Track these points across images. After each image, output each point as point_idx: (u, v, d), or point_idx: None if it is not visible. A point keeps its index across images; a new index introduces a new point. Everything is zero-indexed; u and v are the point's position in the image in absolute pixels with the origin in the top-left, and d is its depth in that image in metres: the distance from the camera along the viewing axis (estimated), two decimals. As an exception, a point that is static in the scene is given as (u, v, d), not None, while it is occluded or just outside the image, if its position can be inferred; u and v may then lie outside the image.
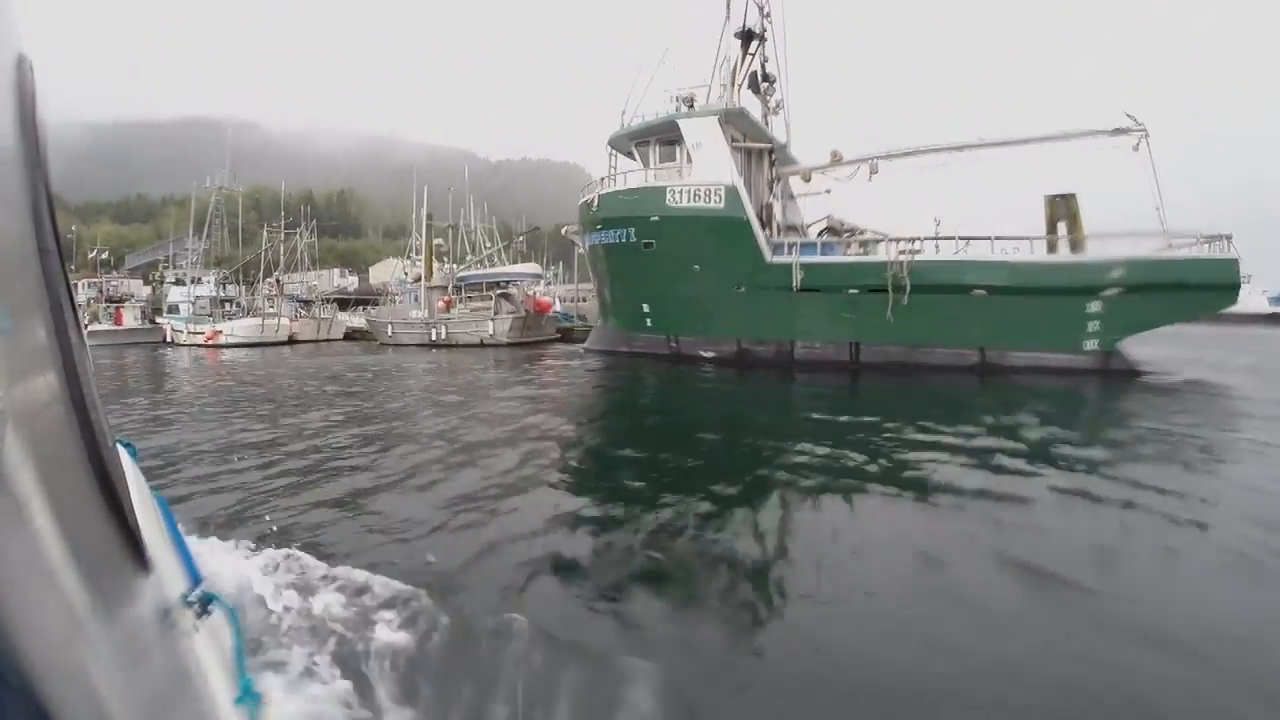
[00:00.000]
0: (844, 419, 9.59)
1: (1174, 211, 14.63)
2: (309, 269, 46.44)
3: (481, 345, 26.39)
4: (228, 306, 34.16)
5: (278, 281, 35.65)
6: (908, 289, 14.95)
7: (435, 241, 30.11)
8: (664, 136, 17.75)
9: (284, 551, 3.89)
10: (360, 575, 3.57)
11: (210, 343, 30.81)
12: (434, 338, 27.69)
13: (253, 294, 35.98)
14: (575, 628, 3.20)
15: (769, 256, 16.26)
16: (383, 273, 67.24)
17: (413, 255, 46.26)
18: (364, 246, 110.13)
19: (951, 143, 16.25)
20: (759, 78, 19.27)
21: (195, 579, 1.85)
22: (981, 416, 9.49)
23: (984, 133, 16.25)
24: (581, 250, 23.51)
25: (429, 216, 33.82)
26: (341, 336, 34.60)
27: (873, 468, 6.54)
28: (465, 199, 34.83)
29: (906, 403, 11.65)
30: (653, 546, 4.38)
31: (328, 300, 37.49)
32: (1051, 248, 15.37)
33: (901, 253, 15.28)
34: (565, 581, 3.83)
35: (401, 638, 2.99)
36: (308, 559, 3.79)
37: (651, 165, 17.91)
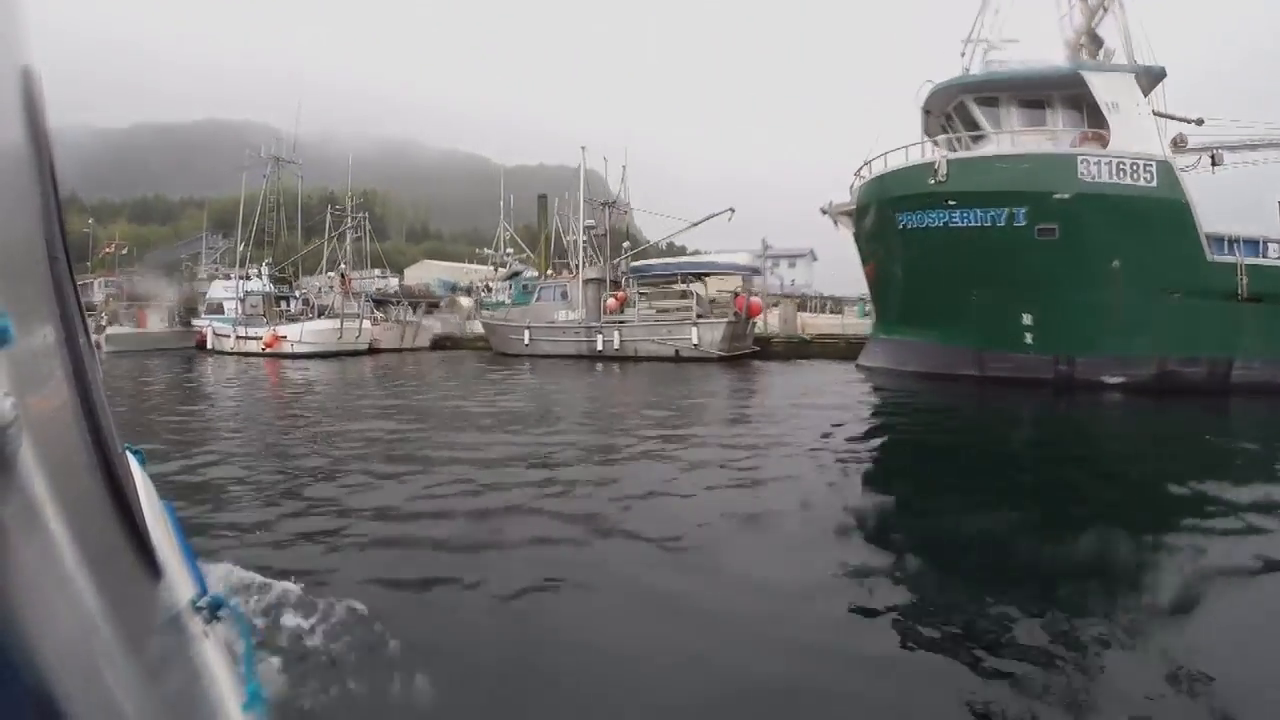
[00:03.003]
0: None
1: None
2: (361, 268, 39.31)
3: (677, 359, 19.57)
4: (284, 305, 27.11)
5: (343, 277, 28.50)
6: None
7: (587, 223, 22.92)
8: (1026, 94, 14.62)
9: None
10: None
11: (270, 350, 23.65)
12: (600, 347, 20.69)
13: (304, 292, 28.97)
14: None
15: (1209, 254, 13.39)
16: (421, 274, 61.05)
17: (499, 250, 39.57)
18: (390, 249, 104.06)
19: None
20: (1095, 42, 15.78)
21: (203, 585, 1.78)
22: None
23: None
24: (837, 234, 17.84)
25: (542, 197, 26.70)
26: (429, 345, 27.67)
27: None
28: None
29: None
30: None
31: (413, 302, 30.25)
32: None
33: None
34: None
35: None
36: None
37: (1009, 128, 14.64)
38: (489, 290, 35.86)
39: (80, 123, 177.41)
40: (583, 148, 24.15)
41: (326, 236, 29.44)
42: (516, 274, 34.97)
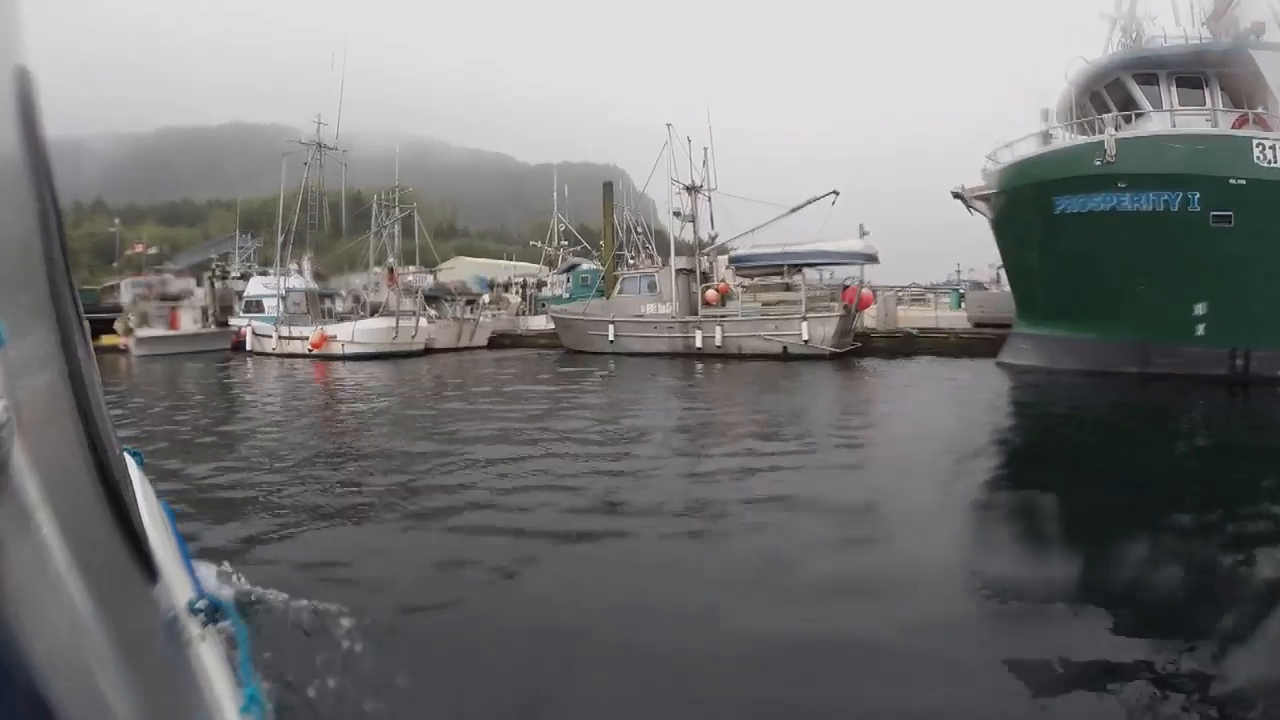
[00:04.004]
0: None
1: None
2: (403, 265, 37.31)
3: (785, 356, 17.45)
4: (329, 303, 25.05)
5: (391, 271, 26.28)
6: None
7: (674, 210, 20.57)
8: (1185, 71, 14.00)
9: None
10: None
11: (317, 351, 21.50)
12: (699, 344, 18.43)
13: (352, 289, 26.92)
14: None
15: None
16: (460, 270, 59.59)
17: (554, 243, 37.52)
18: (421, 246, 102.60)
19: None
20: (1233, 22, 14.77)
21: (200, 587, 1.77)
22: None
23: None
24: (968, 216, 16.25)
25: (608, 185, 24.30)
26: (485, 344, 25.48)
27: None
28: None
29: None
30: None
31: (470, 299, 27.98)
32: None
33: None
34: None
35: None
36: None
37: (1168, 108, 14.03)
38: (540, 286, 33.78)
39: (105, 129, 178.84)
40: (668, 125, 21.48)
41: (374, 229, 27.18)
42: (573, 267, 32.72)
